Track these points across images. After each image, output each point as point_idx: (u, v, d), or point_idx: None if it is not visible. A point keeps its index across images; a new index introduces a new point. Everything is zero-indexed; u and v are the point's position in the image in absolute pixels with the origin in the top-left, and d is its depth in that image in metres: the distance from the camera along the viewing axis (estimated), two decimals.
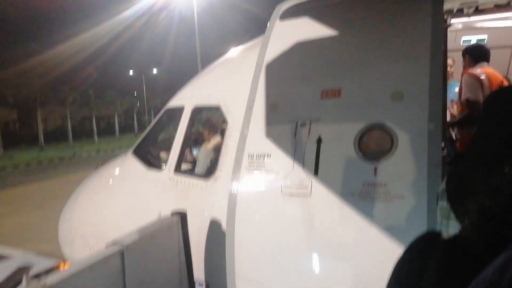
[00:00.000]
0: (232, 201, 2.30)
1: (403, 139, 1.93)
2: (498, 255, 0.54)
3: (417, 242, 0.88)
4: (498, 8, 2.89)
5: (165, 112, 3.48)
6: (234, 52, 3.39)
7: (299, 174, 2.15)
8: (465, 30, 4.40)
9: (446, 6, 2.73)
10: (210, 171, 2.79)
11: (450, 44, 3.67)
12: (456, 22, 3.77)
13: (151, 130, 3.67)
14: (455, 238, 0.87)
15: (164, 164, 3.15)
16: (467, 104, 3.12)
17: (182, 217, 2.35)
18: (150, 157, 3.51)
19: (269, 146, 2.29)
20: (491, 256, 0.61)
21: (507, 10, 3.02)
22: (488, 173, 0.87)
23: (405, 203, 1.85)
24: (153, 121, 3.68)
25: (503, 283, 0.46)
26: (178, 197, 2.80)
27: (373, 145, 1.99)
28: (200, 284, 2.51)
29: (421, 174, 1.84)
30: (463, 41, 4.42)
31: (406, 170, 1.88)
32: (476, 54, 3.33)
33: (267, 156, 2.29)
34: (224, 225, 2.38)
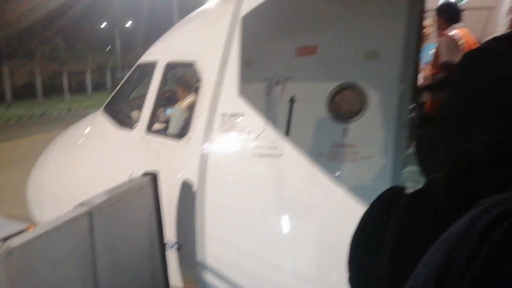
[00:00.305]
0: (204, 162, 2.28)
1: (374, 100, 1.91)
2: (462, 210, 0.54)
3: (382, 196, 0.89)
4: None
5: (137, 68, 3.33)
6: (212, 3, 3.23)
7: (271, 135, 2.13)
8: None
9: None
10: (183, 131, 2.73)
11: (429, 5, 3.60)
12: None
13: (122, 87, 3.54)
14: (418, 192, 0.89)
15: (135, 123, 3.06)
16: (444, 67, 3.11)
17: (154, 177, 2.31)
18: (121, 115, 3.41)
19: (242, 105, 2.24)
20: (455, 211, 0.61)
21: None
22: (458, 132, 0.86)
23: (372, 164, 1.87)
24: (125, 78, 3.53)
25: (470, 239, 0.46)
26: (149, 158, 2.75)
27: (345, 105, 1.98)
28: (171, 245, 2.53)
29: (389, 135, 1.85)
30: (443, 1, 4.35)
31: (375, 131, 1.89)
32: (451, 13, 3.27)
33: (240, 115, 2.24)
34: (196, 187, 2.36)
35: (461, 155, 0.84)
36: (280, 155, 2.08)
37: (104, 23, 34.81)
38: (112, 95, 3.57)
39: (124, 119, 3.31)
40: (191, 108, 2.95)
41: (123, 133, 3.09)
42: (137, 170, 2.52)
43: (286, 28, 2.26)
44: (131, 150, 2.91)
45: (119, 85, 3.60)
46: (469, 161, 0.82)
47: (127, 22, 36.51)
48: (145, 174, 2.31)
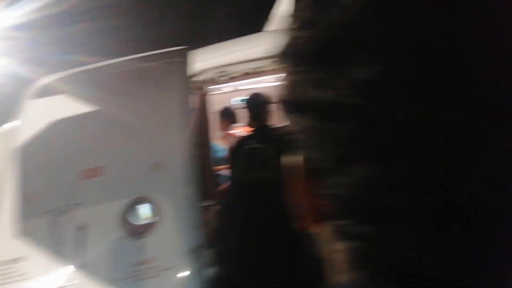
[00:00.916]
0: None
1: (166, 209, 1.94)
2: None
3: None
4: (249, 75, 3.37)
5: None
6: None
7: (63, 272, 1.88)
8: (233, 92, 5.04)
9: (202, 77, 3.03)
10: None
11: (214, 108, 4.08)
12: (220, 87, 4.26)
13: None
14: None
15: None
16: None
17: None
18: None
19: (23, 247, 1.95)
20: None
21: (259, 76, 3.55)
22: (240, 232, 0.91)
23: (175, 274, 1.83)
24: None
25: None
26: None
27: (139, 220, 1.94)
28: None
29: (185, 241, 1.86)
30: (233, 102, 5.03)
31: (172, 239, 1.89)
32: (228, 116, 3.77)
33: (22, 260, 1.93)
34: None
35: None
36: None
37: None
38: None
39: None
40: None
41: None
42: None
43: (67, 154, 2.17)
44: None
45: None
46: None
47: None
48: None
